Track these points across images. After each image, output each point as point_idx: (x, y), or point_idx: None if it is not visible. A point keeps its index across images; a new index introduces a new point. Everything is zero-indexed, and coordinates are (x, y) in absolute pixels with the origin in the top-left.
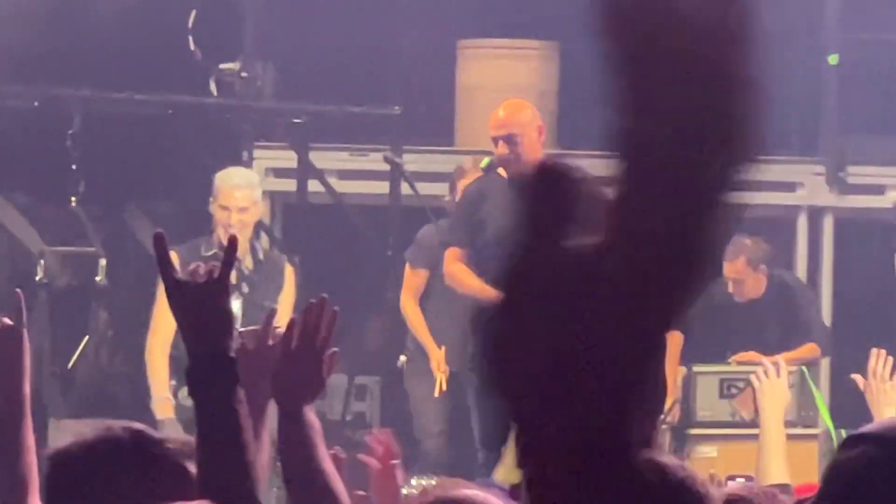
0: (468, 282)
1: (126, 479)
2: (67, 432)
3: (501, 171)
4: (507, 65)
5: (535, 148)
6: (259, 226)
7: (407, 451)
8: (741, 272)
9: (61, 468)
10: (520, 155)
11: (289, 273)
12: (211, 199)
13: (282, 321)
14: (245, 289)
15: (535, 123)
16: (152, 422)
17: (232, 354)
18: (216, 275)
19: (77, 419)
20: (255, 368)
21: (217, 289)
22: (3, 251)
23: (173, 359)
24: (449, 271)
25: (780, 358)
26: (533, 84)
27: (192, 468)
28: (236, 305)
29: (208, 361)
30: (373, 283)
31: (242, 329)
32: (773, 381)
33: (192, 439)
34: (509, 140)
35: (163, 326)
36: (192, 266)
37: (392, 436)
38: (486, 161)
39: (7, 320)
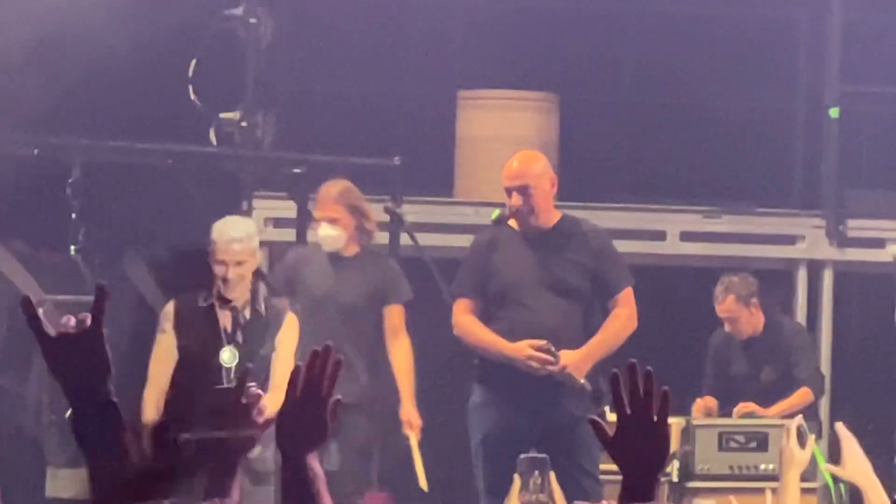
0: (478, 333)
1: None
2: (65, 481)
3: (512, 222)
4: (508, 116)
5: (548, 199)
6: (259, 274)
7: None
8: (732, 310)
9: None
10: (532, 206)
11: (290, 319)
12: (209, 250)
13: (279, 365)
14: (240, 338)
15: (547, 175)
16: None
17: (113, 399)
18: (87, 324)
19: (75, 468)
20: (225, 425)
21: (89, 338)
22: (2, 300)
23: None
24: (458, 322)
25: (801, 418)
26: (533, 135)
27: None
28: (230, 355)
29: (90, 410)
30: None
31: (216, 388)
32: (794, 442)
33: None
34: (522, 191)
35: (157, 380)
36: (63, 319)
37: (389, 499)
38: (496, 213)
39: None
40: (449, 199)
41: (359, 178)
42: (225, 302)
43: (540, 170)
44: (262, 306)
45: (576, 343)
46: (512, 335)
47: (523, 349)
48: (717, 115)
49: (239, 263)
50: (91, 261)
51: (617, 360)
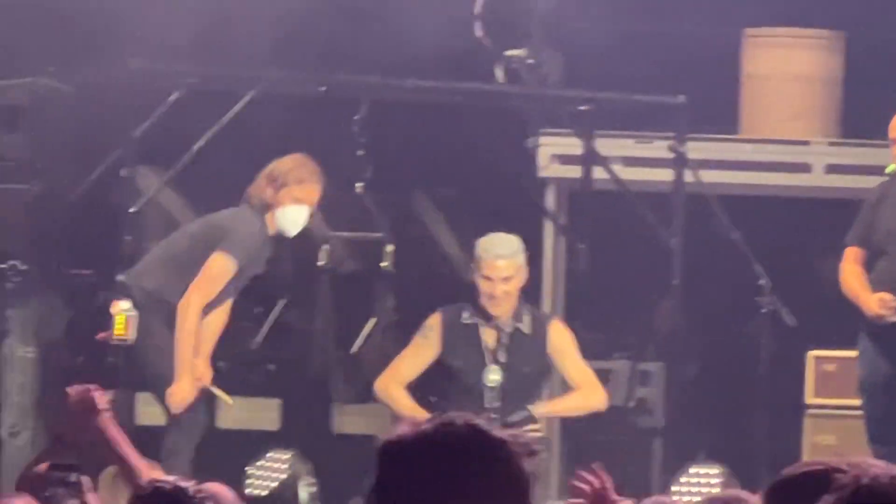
0: (849, 282)
1: (463, 475)
2: (351, 417)
3: None
4: (794, 54)
5: None
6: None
7: (693, 436)
8: None
9: (395, 456)
10: None
11: (556, 329)
12: (472, 265)
13: (573, 370)
14: (502, 357)
15: None
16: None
17: None
18: None
19: (361, 405)
20: None
21: None
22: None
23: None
24: (841, 268)
25: None
26: (818, 73)
27: (528, 468)
28: (494, 375)
29: None
30: (657, 269)
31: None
32: None
33: (530, 439)
34: None
35: (402, 372)
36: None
37: (602, 470)
38: (891, 167)
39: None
40: (733, 137)
41: (644, 115)
42: (488, 319)
43: None
44: (525, 322)
45: None
46: (882, 284)
47: (871, 304)
48: None
49: (506, 280)
50: (377, 198)
51: None
